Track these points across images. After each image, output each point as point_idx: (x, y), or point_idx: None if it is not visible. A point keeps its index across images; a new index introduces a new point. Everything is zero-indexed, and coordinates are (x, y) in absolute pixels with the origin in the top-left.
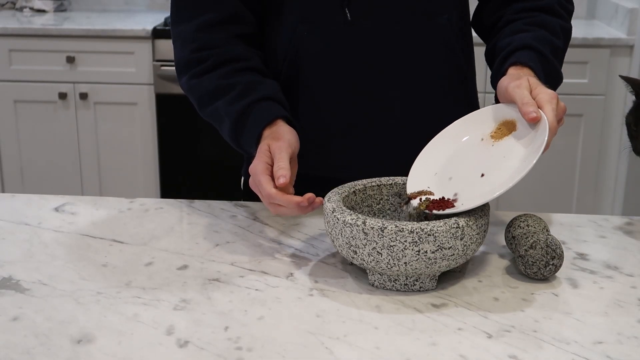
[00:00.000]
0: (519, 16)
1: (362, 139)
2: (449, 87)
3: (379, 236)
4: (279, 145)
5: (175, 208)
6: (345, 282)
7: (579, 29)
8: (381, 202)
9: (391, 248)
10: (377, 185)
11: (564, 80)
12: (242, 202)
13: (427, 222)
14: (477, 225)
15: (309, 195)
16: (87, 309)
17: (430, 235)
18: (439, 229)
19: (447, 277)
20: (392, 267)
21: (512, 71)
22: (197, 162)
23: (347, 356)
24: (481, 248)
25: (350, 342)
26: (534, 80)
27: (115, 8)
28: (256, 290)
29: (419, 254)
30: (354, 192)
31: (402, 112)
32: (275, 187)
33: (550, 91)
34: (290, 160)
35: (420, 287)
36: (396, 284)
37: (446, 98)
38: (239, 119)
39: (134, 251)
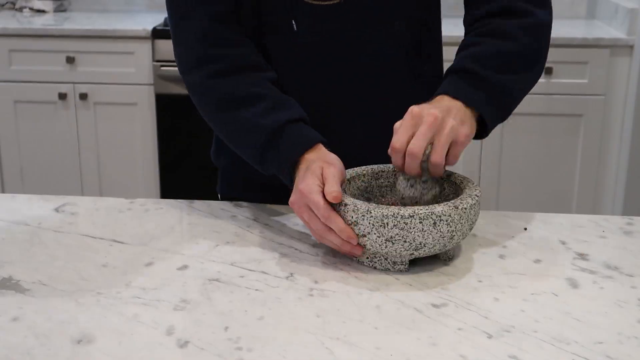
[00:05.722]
0: (473, 27)
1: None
2: (410, 93)
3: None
4: (332, 172)
5: (175, 208)
6: (345, 282)
7: (579, 29)
8: (367, 189)
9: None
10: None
11: (564, 80)
12: (242, 202)
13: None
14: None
15: (355, 238)
16: (87, 309)
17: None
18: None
19: (447, 277)
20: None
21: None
22: (197, 162)
23: (347, 356)
24: (481, 248)
25: (350, 342)
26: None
27: (115, 8)
28: (256, 290)
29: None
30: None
31: (362, 121)
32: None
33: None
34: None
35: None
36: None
37: (408, 102)
38: (274, 134)
39: (134, 251)
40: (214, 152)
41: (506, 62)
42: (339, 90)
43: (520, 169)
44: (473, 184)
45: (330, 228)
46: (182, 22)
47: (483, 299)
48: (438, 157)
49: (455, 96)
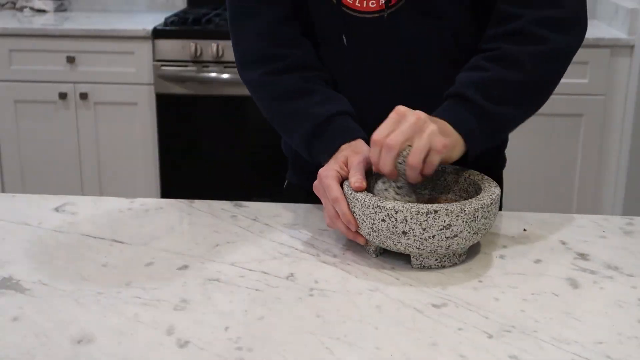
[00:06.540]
0: (485, 46)
1: None
2: None
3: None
4: (357, 159)
5: (175, 208)
6: (345, 282)
7: None
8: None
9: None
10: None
11: (564, 80)
12: (242, 202)
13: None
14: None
15: (355, 224)
16: (87, 309)
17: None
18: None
19: (447, 277)
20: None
21: None
22: (197, 162)
23: (347, 356)
24: (481, 248)
25: (350, 342)
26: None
27: (115, 8)
28: (256, 290)
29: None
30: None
31: None
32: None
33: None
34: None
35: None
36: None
37: None
38: (321, 124)
39: (134, 251)
40: (284, 142)
41: (508, 93)
42: (387, 101)
43: (520, 169)
44: (492, 182)
45: (338, 214)
46: (248, 20)
47: (483, 299)
48: (414, 159)
49: (445, 120)
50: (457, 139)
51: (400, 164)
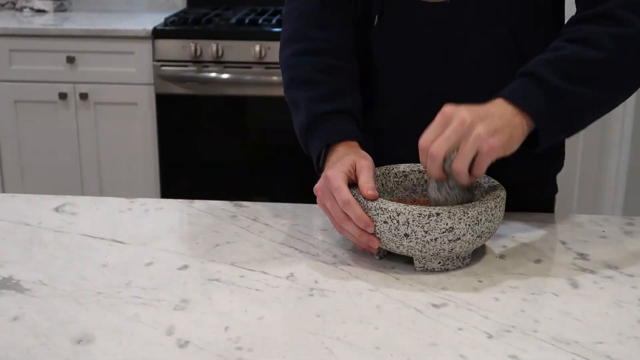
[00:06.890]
0: (566, 30)
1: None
2: None
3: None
4: (366, 164)
5: (175, 208)
6: (345, 282)
7: None
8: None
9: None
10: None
11: None
12: (242, 202)
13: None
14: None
15: (372, 225)
16: (87, 309)
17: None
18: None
19: (447, 277)
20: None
21: None
22: (197, 162)
23: (347, 356)
24: (481, 248)
25: (350, 342)
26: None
27: (115, 8)
28: (256, 290)
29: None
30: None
31: None
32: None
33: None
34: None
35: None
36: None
37: None
38: (315, 120)
39: (134, 251)
40: None
41: (586, 72)
42: (431, 90)
43: None
44: (498, 185)
45: (349, 217)
46: (292, 2)
47: (483, 299)
48: (459, 164)
49: (509, 99)
50: (513, 127)
51: (450, 166)
